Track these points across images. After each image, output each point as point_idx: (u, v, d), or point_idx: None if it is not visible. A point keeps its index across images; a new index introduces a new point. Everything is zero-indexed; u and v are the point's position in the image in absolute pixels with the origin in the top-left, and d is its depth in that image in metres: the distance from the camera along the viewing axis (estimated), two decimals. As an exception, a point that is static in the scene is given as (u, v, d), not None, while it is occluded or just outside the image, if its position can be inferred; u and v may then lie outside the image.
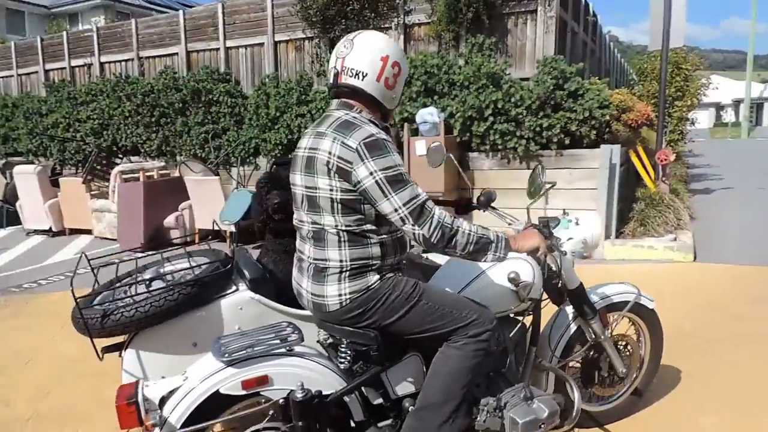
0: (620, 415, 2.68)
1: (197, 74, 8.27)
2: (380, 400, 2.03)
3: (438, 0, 6.81)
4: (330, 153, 1.81)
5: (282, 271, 2.47)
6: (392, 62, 1.90)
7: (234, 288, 2.23)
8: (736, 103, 40.51)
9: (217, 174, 7.67)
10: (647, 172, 7.57)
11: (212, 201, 7.04)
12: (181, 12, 9.10)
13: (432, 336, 1.94)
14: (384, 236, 1.91)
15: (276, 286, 2.34)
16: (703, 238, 6.29)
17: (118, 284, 2.30)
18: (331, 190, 1.83)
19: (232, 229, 7.07)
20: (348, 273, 1.88)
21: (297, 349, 1.90)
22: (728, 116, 43.77)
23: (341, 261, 1.87)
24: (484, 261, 1.93)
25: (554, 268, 2.24)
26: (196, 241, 7.36)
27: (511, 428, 2.01)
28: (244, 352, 1.78)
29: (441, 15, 6.78)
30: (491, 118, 6.24)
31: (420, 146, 6.00)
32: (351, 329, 1.92)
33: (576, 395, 2.25)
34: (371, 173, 1.76)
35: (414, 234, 1.81)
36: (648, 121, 7.51)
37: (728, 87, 41.53)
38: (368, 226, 1.87)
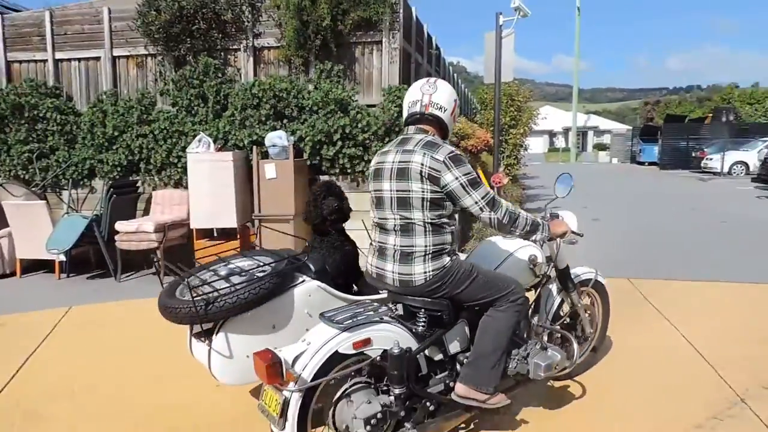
0: (584, 369, 3.41)
1: (19, 87, 7.41)
2: (440, 357, 2.63)
3: (286, 26, 6.83)
4: (422, 164, 2.38)
5: (331, 264, 2.89)
6: (458, 104, 2.61)
7: (302, 279, 2.62)
8: (566, 131, 45.64)
9: (44, 198, 6.92)
10: (485, 194, 8.20)
11: (38, 227, 6.36)
12: (-1, 17, 8.14)
13: (484, 303, 2.54)
14: (453, 227, 2.50)
15: (330, 277, 2.77)
16: (533, 254, 6.93)
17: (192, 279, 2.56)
18: (423, 191, 2.39)
19: (62, 258, 6.43)
20: (430, 255, 2.44)
21: (385, 317, 2.40)
22: (560, 142, 49.19)
23: (425, 246, 2.44)
24: (533, 240, 2.57)
25: (551, 254, 2.97)
26: (18, 273, 6.56)
27: (535, 370, 2.66)
28: (352, 321, 2.25)
29: (290, 40, 6.81)
30: (340, 143, 6.36)
31: (269, 169, 5.92)
32: (430, 299, 2.51)
33: (575, 346, 2.97)
34: (456, 178, 2.36)
35: (490, 218, 2.43)
36: (487, 146, 8.18)
37: (559, 116, 46.76)
38: (445, 219, 2.46)
